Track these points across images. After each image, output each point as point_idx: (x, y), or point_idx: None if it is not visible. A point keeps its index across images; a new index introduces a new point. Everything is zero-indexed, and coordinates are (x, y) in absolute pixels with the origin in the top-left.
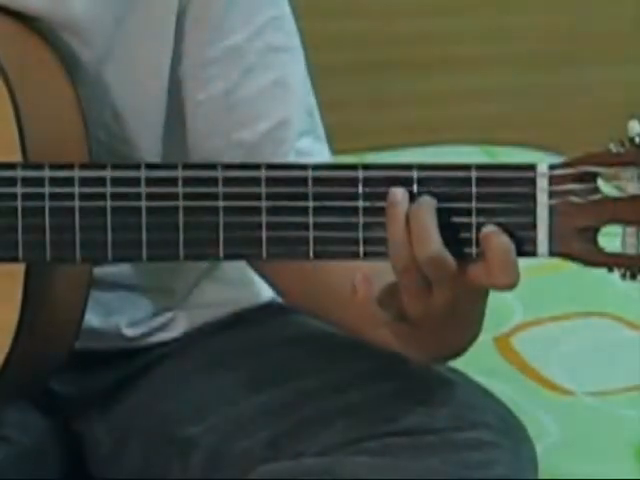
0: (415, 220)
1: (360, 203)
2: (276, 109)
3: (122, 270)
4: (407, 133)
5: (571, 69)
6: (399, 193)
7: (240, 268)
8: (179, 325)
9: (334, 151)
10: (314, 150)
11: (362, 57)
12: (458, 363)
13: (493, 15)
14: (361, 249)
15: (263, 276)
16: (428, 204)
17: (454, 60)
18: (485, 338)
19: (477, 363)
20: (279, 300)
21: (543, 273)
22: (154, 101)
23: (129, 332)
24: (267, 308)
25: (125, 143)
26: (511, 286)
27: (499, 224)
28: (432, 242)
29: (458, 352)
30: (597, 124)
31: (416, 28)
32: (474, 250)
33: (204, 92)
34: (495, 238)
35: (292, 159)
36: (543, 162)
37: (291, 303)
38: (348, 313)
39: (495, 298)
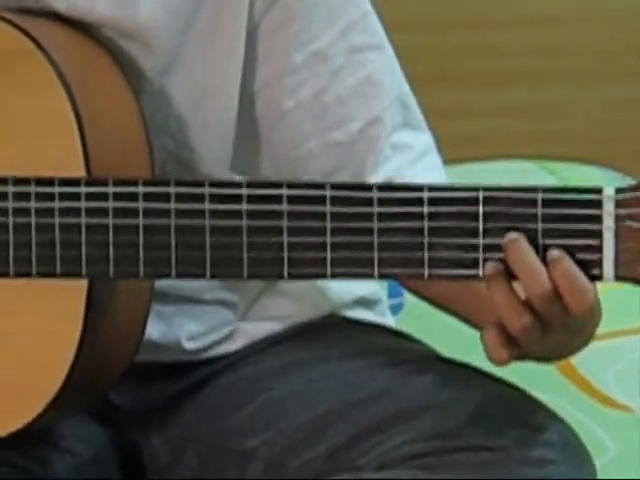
0: (513, 255)
1: (426, 223)
2: (366, 107)
3: (183, 283)
4: (463, 147)
5: (629, 83)
6: (516, 236)
7: (300, 281)
8: (239, 338)
9: None
10: (411, 141)
11: (415, 71)
12: (517, 379)
13: (542, 29)
14: (426, 271)
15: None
16: (524, 246)
17: (509, 74)
18: None
19: (535, 379)
20: (339, 313)
21: (600, 289)
22: (222, 112)
23: (189, 345)
24: (327, 321)
25: (192, 152)
26: (586, 312)
27: (566, 248)
28: (540, 283)
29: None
30: None
31: (469, 42)
32: None
33: (292, 99)
34: (559, 264)
35: (388, 154)
36: (602, 178)
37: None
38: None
39: None
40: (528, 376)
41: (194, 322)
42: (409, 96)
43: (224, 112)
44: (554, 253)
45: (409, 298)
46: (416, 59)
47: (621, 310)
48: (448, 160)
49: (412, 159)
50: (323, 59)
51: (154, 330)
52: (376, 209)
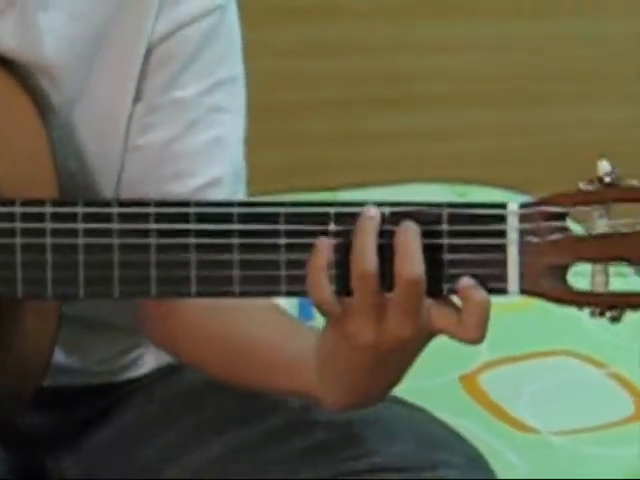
0: (402, 239)
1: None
2: (210, 167)
3: (93, 307)
4: (380, 171)
5: (541, 108)
6: (373, 208)
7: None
8: (147, 363)
9: (307, 188)
10: None
11: (335, 95)
12: (424, 401)
13: (457, 54)
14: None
15: (178, 354)
16: (415, 229)
17: (424, 98)
18: (451, 377)
19: (443, 401)
20: None
21: (509, 311)
22: (116, 146)
23: (99, 369)
24: None
25: (87, 191)
26: (478, 342)
27: (471, 262)
28: (417, 263)
29: (373, 400)
30: (567, 163)
31: (387, 66)
32: (445, 286)
33: (144, 138)
34: (475, 292)
35: None
36: (512, 201)
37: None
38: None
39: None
40: (436, 399)
41: (103, 346)
42: (243, 170)
43: (117, 147)
44: (466, 281)
45: (320, 320)
46: (337, 83)
47: (532, 333)
48: (361, 184)
49: None
50: (184, 109)
51: (63, 354)
52: (282, 227)
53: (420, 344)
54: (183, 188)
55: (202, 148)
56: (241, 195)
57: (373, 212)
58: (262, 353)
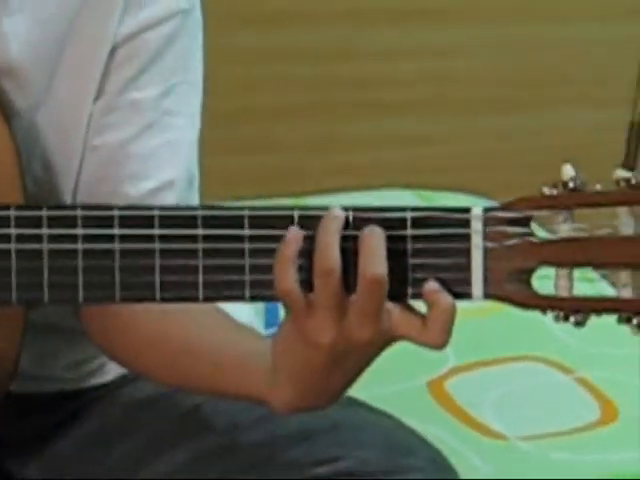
0: (367, 240)
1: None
2: (164, 170)
3: (58, 313)
4: (346, 177)
5: (506, 113)
6: (337, 209)
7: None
8: (112, 369)
9: (273, 194)
10: None
11: (299, 101)
12: (391, 406)
13: (424, 59)
14: None
15: (126, 363)
16: (379, 232)
17: (390, 104)
18: (418, 382)
19: (410, 407)
20: None
21: (476, 317)
22: (79, 147)
23: (64, 375)
24: None
25: (52, 194)
26: (442, 347)
27: (435, 267)
28: (381, 263)
29: (324, 402)
30: (534, 169)
31: (351, 73)
32: (410, 291)
33: (101, 138)
34: (442, 297)
35: None
36: (478, 206)
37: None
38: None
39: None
40: (403, 404)
41: (69, 352)
42: (196, 178)
43: (80, 149)
44: (431, 285)
45: None
46: (298, 89)
47: (500, 338)
48: (328, 190)
49: None
50: (140, 110)
51: (28, 361)
52: (247, 231)
53: (378, 349)
54: (137, 190)
55: (156, 151)
56: (194, 201)
57: (337, 212)
58: (204, 355)
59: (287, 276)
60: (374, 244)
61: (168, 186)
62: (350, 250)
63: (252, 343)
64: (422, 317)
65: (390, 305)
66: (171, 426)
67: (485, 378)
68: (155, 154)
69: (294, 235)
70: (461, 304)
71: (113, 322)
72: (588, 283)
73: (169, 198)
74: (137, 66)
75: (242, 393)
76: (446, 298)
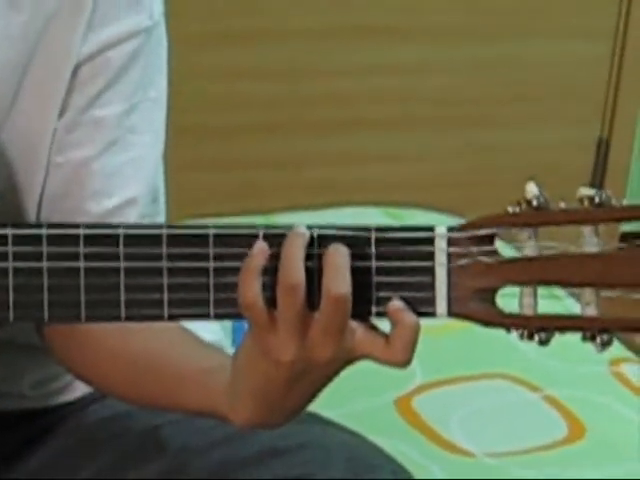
0: (331, 259)
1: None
2: (126, 188)
3: (25, 331)
4: (311, 194)
5: (475, 131)
6: (302, 227)
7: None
8: (80, 387)
9: (239, 211)
10: None
11: (267, 118)
12: (358, 424)
13: (394, 77)
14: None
15: (84, 377)
16: (344, 250)
17: (359, 122)
18: (386, 399)
19: (378, 424)
20: None
21: (442, 334)
22: (43, 164)
23: (31, 393)
24: None
25: (16, 210)
26: (406, 365)
27: (399, 285)
28: (345, 282)
29: (283, 418)
30: (503, 186)
31: (320, 90)
32: (374, 309)
33: (63, 156)
34: (405, 315)
35: None
36: (444, 224)
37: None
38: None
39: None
40: (370, 421)
41: (36, 370)
42: (162, 195)
43: (46, 165)
44: (395, 303)
45: None
46: (271, 106)
47: (467, 356)
48: (296, 207)
49: None
50: (103, 128)
51: None
52: (211, 250)
53: (339, 367)
54: (100, 207)
55: (119, 169)
56: (160, 217)
57: (302, 230)
58: (166, 370)
59: (251, 288)
60: (338, 262)
61: (131, 203)
62: (314, 268)
63: (214, 359)
64: (385, 336)
65: (354, 324)
66: (133, 446)
67: (453, 395)
68: (118, 172)
69: (260, 248)
70: (428, 322)
71: (73, 339)
72: (555, 300)
73: (132, 215)
74: (100, 84)
75: (204, 409)
76: (410, 316)
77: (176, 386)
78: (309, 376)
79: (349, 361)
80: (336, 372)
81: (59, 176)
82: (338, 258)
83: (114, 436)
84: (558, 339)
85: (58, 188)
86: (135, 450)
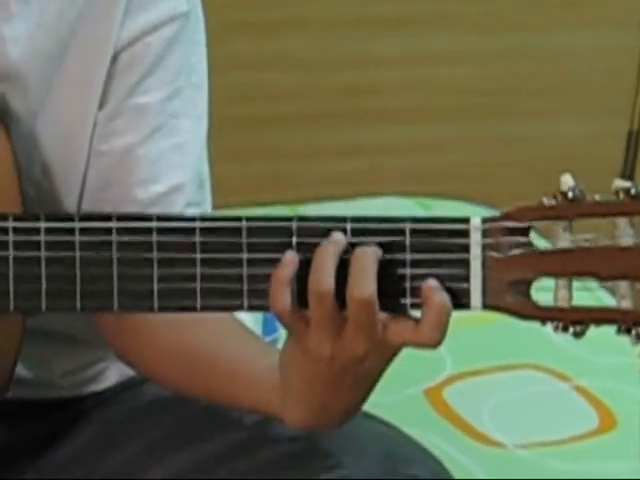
0: (358, 261)
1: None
2: (172, 174)
3: (56, 320)
4: (342, 184)
5: (504, 122)
6: (340, 234)
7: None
8: (111, 376)
9: (268, 202)
10: None
11: (296, 109)
12: (389, 415)
13: (423, 67)
14: None
15: (140, 368)
16: (374, 252)
17: (388, 112)
18: (416, 390)
19: (408, 415)
20: None
21: (474, 325)
22: (81, 153)
23: (62, 382)
24: None
25: (53, 199)
26: (437, 345)
27: (434, 277)
28: (368, 285)
29: (333, 420)
30: (532, 178)
31: (350, 80)
32: (408, 301)
33: (107, 144)
34: (437, 294)
35: None
36: (477, 215)
37: (170, 388)
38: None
39: (426, 350)
40: (401, 412)
41: (67, 359)
42: (207, 180)
43: (82, 154)
44: (429, 282)
45: (285, 334)
46: (299, 97)
47: (498, 346)
48: (327, 198)
49: None
50: (146, 115)
51: (26, 368)
52: (245, 241)
53: (379, 363)
54: (147, 194)
55: (164, 154)
56: (207, 204)
57: (339, 237)
58: (218, 367)
59: (282, 298)
60: (363, 265)
61: (178, 189)
62: (347, 264)
63: (266, 358)
64: (415, 319)
65: (383, 316)
66: (167, 433)
67: (483, 386)
68: (163, 157)
69: (290, 259)
70: (458, 312)
71: (129, 332)
72: (588, 292)
73: (179, 202)
74: (141, 70)
75: (257, 408)
76: (440, 296)
77: (228, 383)
78: (350, 372)
79: (387, 353)
80: (378, 369)
81: (103, 164)
82: (363, 261)
83: (145, 424)
84: (589, 330)
85: (103, 177)
86: (183, 431)
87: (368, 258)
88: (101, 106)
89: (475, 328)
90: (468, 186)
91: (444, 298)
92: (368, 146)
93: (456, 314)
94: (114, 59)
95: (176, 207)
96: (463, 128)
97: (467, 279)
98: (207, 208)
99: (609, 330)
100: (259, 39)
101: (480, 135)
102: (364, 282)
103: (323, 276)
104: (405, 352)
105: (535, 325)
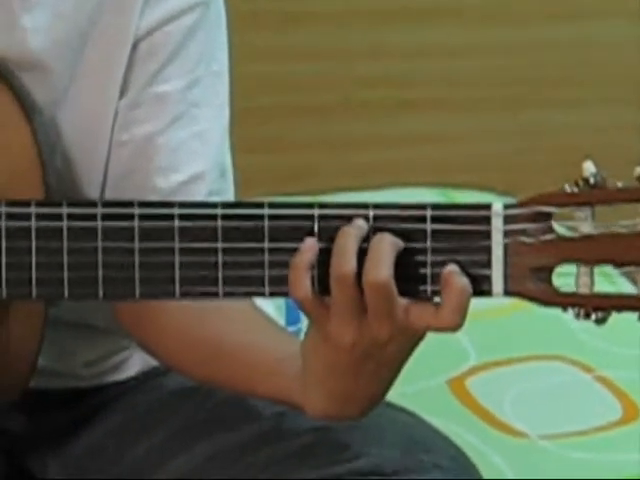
0: (375, 245)
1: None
2: (193, 162)
3: (78, 310)
4: (364, 175)
5: (525, 113)
6: (362, 220)
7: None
8: (134, 365)
9: (290, 193)
10: None
11: (319, 99)
12: (412, 404)
13: (448, 58)
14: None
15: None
16: (392, 239)
17: (411, 103)
18: (439, 380)
19: (431, 405)
20: None
21: (497, 317)
22: (103, 142)
23: (84, 372)
24: None
25: (74, 188)
26: (457, 328)
27: (456, 264)
28: (384, 269)
29: (355, 410)
30: (554, 168)
31: (374, 70)
32: (429, 288)
33: (128, 133)
34: (457, 278)
35: None
36: (498, 202)
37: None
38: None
39: (449, 341)
40: (424, 402)
41: (89, 349)
42: (229, 169)
43: (103, 144)
44: (449, 267)
45: (307, 324)
46: (320, 88)
47: (521, 337)
48: (349, 188)
49: None
50: (166, 103)
51: (48, 357)
52: (267, 223)
53: (402, 348)
54: (168, 183)
55: (185, 143)
56: (229, 193)
57: (360, 222)
58: (239, 356)
59: (302, 285)
60: (379, 249)
61: (199, 178)
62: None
63: (288, 347)
64: (436, 304)
65: (404, 301)
66: (195, 422)
67: (506, 377)
68: (184, 146)
69: (309, 245)
70: (482, 303)
71: (149, 324)
72: (607, 279)
73: (200, 190)
74: (161, 59)
75: (279, 397)
76: (460, 280)
77: (250, 373)
78: (372, 359)
79: (410, 341)
80: (403, 353)
81: (124, 153)
82: (380, 245)
83: (168, 414)
84: (609, 321)
85: (124, 166)
86: (206, 420)
87: (385, 243)
88: (122, 95)
89: (498, 320)
90: (490, 176)
91: (464, 282)
92: (390, 137)
93: (479, 305)
94: (134, 48)
95: (197, 196)
96: (484, 119)
97: (489, 265)
98: (229, 197)
99: (632, 322)
100: (285, 29)
101: (501, 126)
102: (380, 266)
103: (344, 258)
104: (428, 342)
105: (558, 315)
